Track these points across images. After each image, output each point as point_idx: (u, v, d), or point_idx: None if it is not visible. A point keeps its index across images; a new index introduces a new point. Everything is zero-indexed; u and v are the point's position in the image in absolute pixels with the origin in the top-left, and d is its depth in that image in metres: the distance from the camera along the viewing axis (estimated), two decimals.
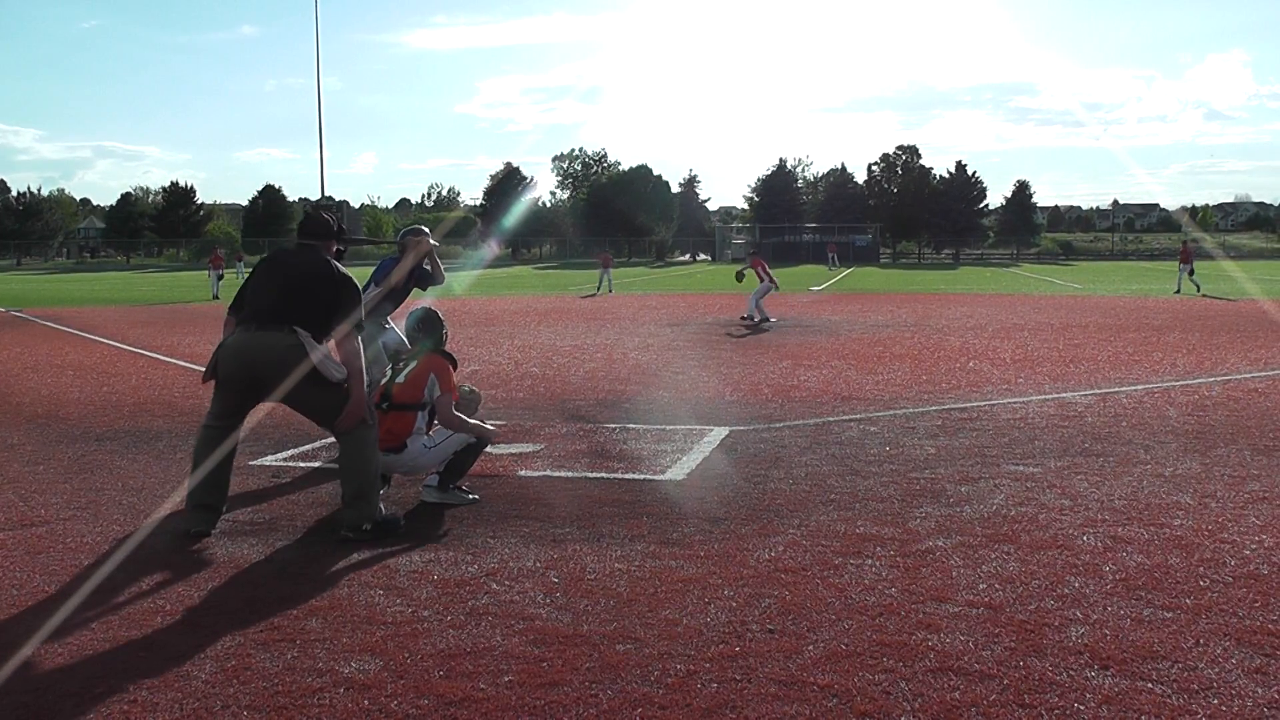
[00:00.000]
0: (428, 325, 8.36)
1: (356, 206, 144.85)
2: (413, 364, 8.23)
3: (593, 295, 42.79)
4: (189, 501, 7.40)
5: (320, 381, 7.20)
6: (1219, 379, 15.24)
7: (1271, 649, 5.23)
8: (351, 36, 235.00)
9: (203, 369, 7.87)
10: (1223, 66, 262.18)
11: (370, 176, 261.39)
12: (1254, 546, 6.98)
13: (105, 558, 6.84)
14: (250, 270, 8.21)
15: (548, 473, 9.25)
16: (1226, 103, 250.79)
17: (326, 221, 7.84)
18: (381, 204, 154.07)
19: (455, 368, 8.34)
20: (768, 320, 26.60)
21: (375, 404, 8.06)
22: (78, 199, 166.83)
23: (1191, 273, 41.82)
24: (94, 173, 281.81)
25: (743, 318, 27.20)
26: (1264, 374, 15.54)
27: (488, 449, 8.72)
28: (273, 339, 7.22)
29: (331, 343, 7.37)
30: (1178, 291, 40.85)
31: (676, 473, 9.17)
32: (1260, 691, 4.73)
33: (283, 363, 7.16)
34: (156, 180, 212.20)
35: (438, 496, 8.19)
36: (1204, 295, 35.37)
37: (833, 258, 78.29)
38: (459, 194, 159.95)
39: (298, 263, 7.58)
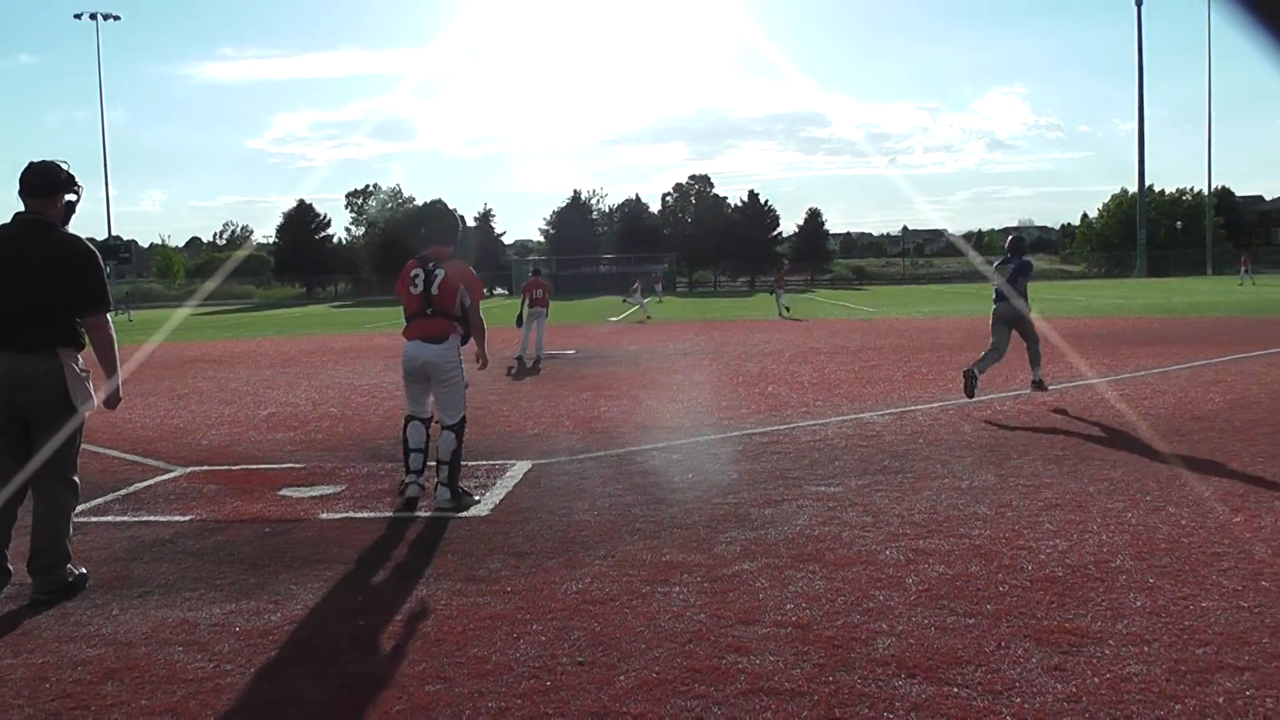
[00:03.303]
0: (448, 223, 9.87)
1: (146, 246, 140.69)
2: (441, 272, 9.28)
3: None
4: None
5: (67, 408, 6.87)
6: (1011, 395, 15.76)
7: (1069, 646, 5.43)
8: (137, 68, 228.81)
9: None
10: (1003, 100, 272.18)
11: (159, 214, 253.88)
12: (1049, 551, 7.24)
13: None
14: None
15: (350, 514, 9.10)
16: (1008, 133, 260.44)
17: (54, 170, 7.03)
18: (172, 243, 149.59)
19: None
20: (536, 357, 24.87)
21: (417, 310, 9.26)
22: None
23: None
24: None
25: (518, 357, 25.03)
26: (1052, 387, 16.07)
27: (286, 491, 8.80)
28: (27, 364, 6.76)
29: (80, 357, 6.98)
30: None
31: (481, 508, 9.10)
32: (1060, 687, 4.91)
33: (42, 390, 6.74)
34: None
35: (452, 504, 9.03)
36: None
37: (657, 289, 74.42)
38: (252, 231, 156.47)
39: (31, 246, 6.87)
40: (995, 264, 15.87)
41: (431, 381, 9.42)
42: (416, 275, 9.41)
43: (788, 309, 45.86)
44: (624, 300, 48.52)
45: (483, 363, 9.74)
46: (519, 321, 25.30)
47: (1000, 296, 15.31)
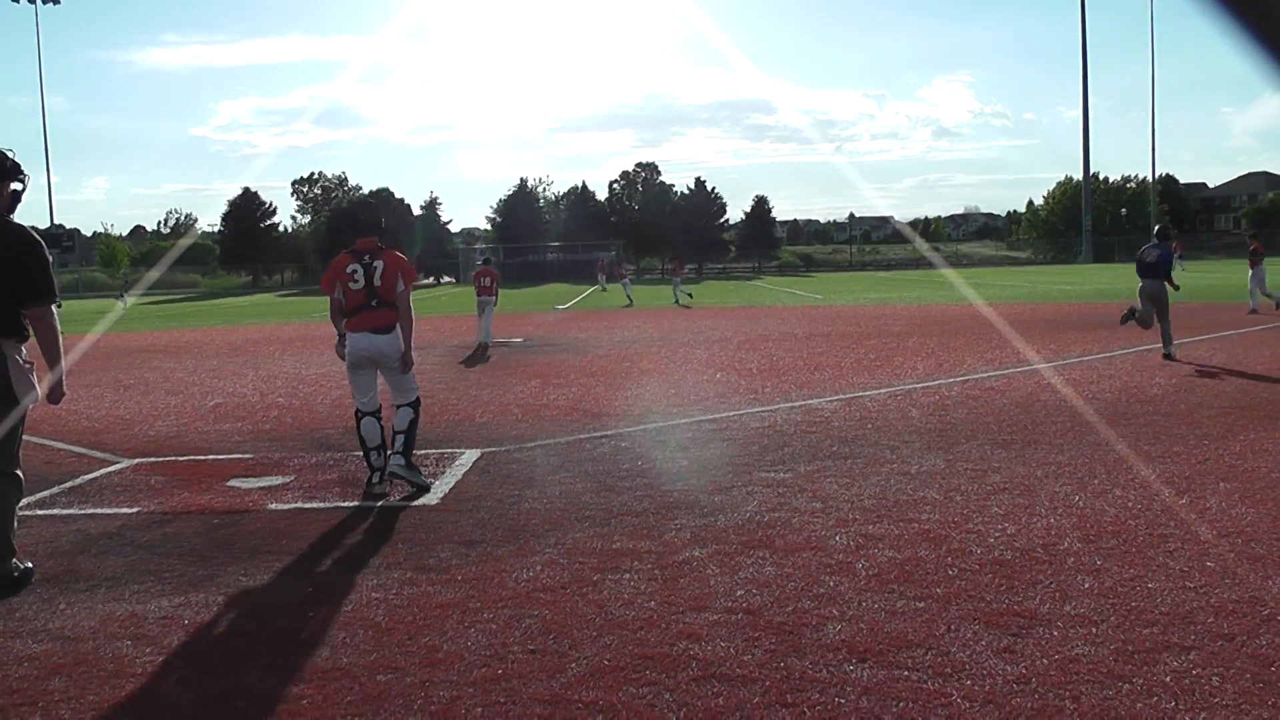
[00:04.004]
0: (372, 213, 9.83)
1: (89, 235, 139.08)
2: (379, 264, 9.32)
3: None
4: None
5: (9, 400, 6.78)
6: (958, 379, 15.86)
7: (1018, 629, 5.48)
8: (78, 53, 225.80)
9: None
10: (949, 88, 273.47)
11: (103, 203, 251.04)
12: (998, 535, 7.29)
13: None
14: None
15: (299, 504, 9.05)
16: (954, 120, 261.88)
17: None
18: (115, 231, 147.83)
19: None
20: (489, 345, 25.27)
21: (362, 302, 9.25)
22: None
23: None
24: None
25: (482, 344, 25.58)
26: (999, 373, 16.22)
27: (234, 482, 8.81)
28: None
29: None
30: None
31: (430, 497, 9.07)
32: (1009, 669, 4.95)
33: None
34: None
35: (405, 472, 9.28)
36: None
37: (602, 278, 73.07)
38: (196, 220, 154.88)
39: None
40: (1144, 247, 18.53)
41: (381, 370, 9.47)
42: (354, 270, 9.35)
43: (690, 295, 45.94)
44: (602, 289, 48.93)
45: (406, 363, 9.53)
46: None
47: (1145, 274, 17.99)
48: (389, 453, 9.43)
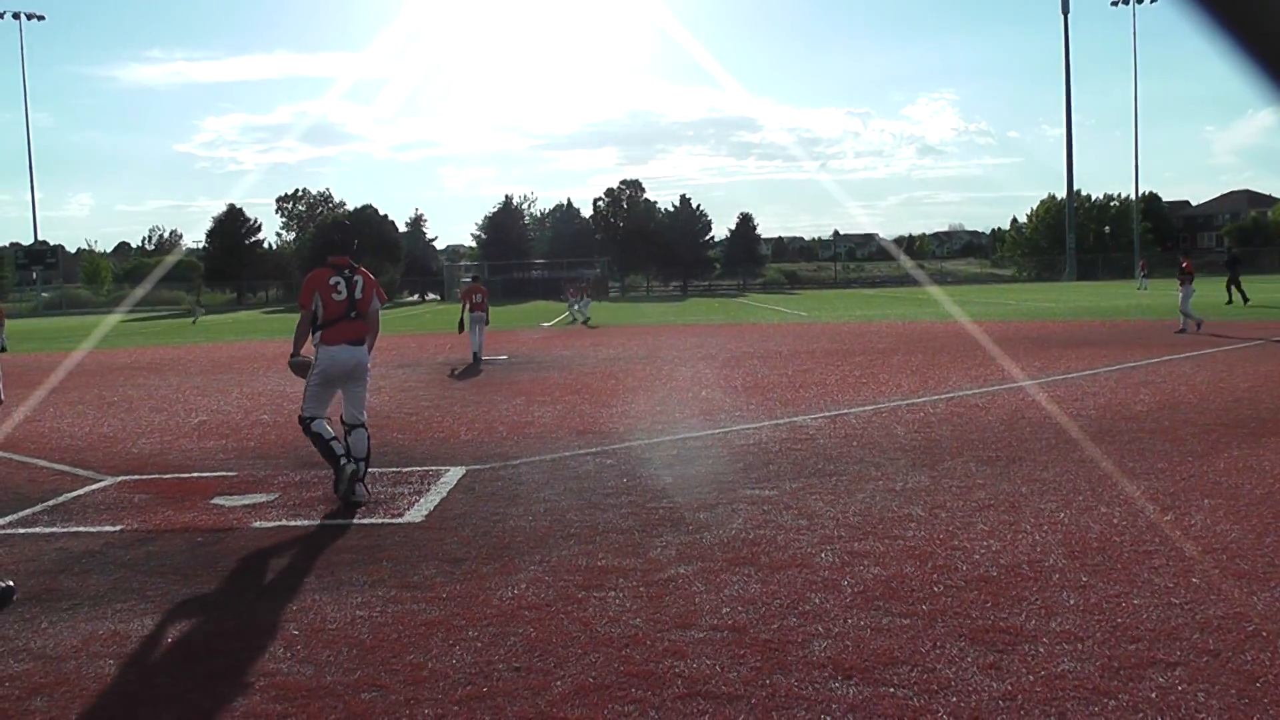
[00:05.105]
0: (347, 233, 10.13)
1: (73, 251, 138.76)
2: (360, 279, 9.79)
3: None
4: None
5: None
6: (942, 397, 15.88)
7: (1003, 645, 5.48)
8: (63, 69, 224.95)
9: None
10: (933, 105, 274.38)
11: (86, 219, 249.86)
12: (983, 551, 7.30)
13: None
14: None
15: (283, 522, 9.02)
16: (938, 138, 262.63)
17: None
18: (99, 248, 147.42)
19: None
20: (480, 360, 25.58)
21: (342, 314, 9.62)
22: None
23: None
24: None
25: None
26: (983, 390, 16.25)
27: (218, 500, 8.97)
28: None
29: None
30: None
31: (415, 515, 9.05)
32: (995, 686, 4.95)
33: None
34: None
35: (369, 498, 9.63)
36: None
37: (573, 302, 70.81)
38: (181, 236, 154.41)
39: None
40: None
41: (349, 382, 9.87)
42: (337, 282, 9.72)
43: (588, 319, 45.55)
44: (573, 309, 48.42)
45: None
46: (460, 327, 26.52)
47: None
48: (353, 484, 9.60)
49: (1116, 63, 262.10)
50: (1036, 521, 8.14)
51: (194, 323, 53.71)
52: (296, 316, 9.88)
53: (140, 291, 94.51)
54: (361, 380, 9.95)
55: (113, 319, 67.29)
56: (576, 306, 47.61)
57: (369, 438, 9.95)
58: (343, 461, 9.56)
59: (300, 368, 9.85)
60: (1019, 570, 6.87)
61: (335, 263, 9.82)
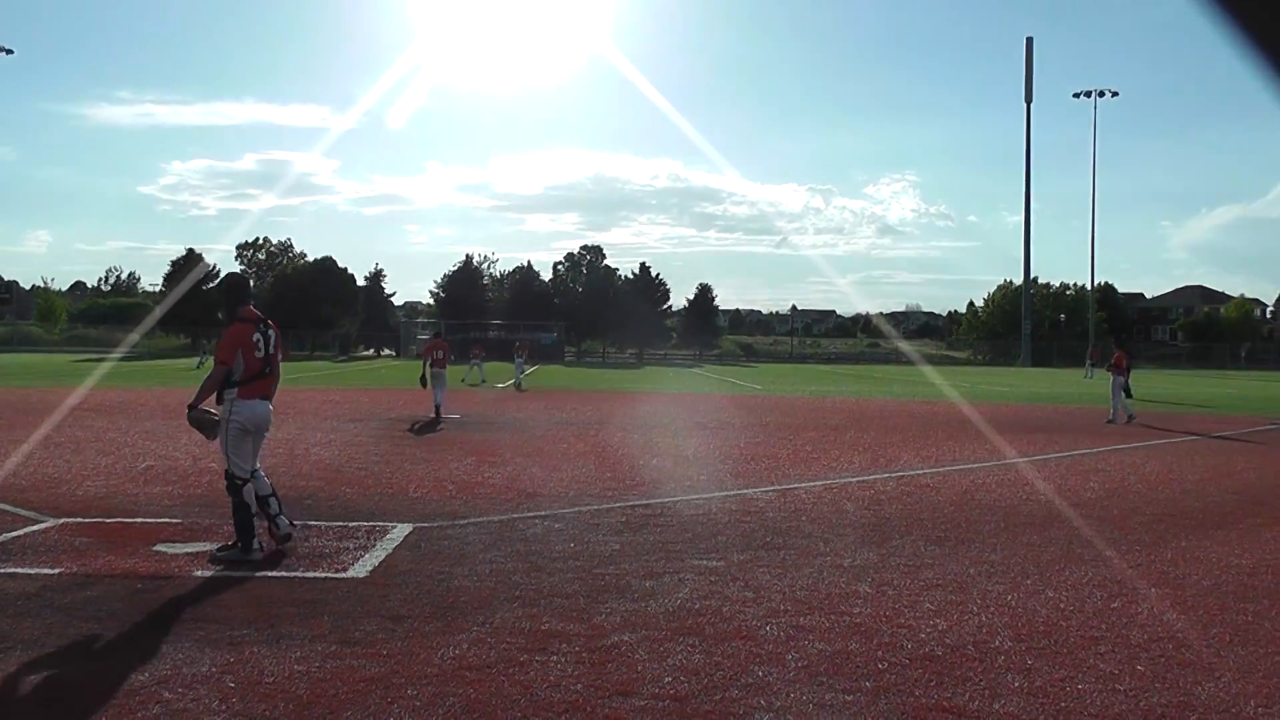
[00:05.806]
0: (243, 292, 10.21)
1: (28, 288, 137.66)
2: (272, 333, 9.94)
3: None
4: None
5: None
6: (893, 475, 15.91)
7: None
8: (28, 104, 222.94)
9: None
10: (895, 186, 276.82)
11: (44, 257, 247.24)
12: (929, 630, 7.28)
13: None
14: None
15: (225, 572, 8.91)
16: (899, 218, 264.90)
17: None
18: (55, 286, 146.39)
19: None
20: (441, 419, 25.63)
21: (261, 370, 9.75)
22: None
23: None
24: None
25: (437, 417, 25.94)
26: (934, 470, 16.28)
27: (160, 547, 9.04)
28: None
29: None
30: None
31: (359, 570, 8.96)
32: None
33: None
34: None
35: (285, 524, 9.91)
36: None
37: (520, 362, 70.77)
38: (139, 279, 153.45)
39: None
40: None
41: (259, 434, 10.10)
42: (258, 339, 9.86)
43: (518, 386, 45.45)
44: (480, 369, 48.38)
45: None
46: (423, 383, 26.76)
47: None
48: (277, 518, 9.93)
49: (1076, 154, 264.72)
50: (984, 603, 8.14)
51: (199, 365, 55.01)
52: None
53: (136, 336, 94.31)
54: (267, 431, 10.22)
55: (62, 359, 66.71)
56: (516, 365, 47.42)
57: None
58: (280, 520, 9.86)
59: (203, 422, 9.82)
60: (964, 650, 6.86)
61: (249, 315, 9.90)
